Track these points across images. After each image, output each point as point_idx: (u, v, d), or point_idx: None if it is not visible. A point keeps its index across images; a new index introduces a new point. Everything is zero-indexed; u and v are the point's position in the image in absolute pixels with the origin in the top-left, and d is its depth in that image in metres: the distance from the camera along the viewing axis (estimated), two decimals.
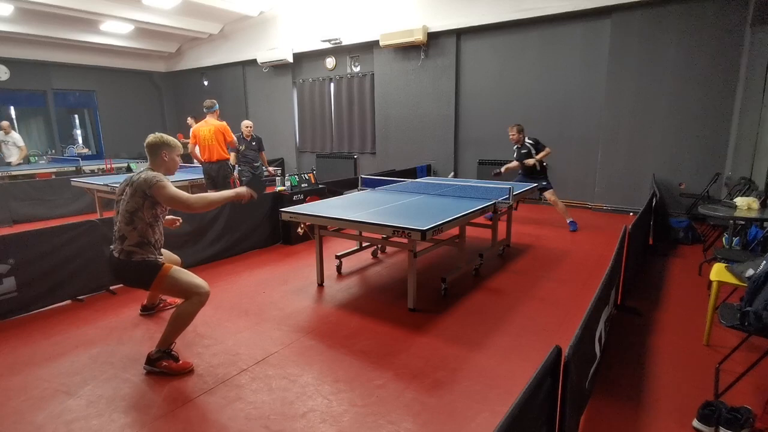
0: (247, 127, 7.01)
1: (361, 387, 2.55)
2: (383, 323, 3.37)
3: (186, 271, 2.84)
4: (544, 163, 6.22)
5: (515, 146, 6.19)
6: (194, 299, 2.74)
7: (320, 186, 6.16)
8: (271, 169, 7.44)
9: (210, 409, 2.37)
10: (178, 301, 3.22)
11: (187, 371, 2.73)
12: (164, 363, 2.72)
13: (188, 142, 10.31)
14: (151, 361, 2.73)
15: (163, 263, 2.77)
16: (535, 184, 5.72)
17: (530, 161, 5.95)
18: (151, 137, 2.82)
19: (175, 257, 3.37)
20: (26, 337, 3.23)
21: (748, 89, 5.79)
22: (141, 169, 2.81)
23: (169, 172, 2.89)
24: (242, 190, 2.98)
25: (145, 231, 2.71)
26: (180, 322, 2.74)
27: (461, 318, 3.44)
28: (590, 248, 5.26)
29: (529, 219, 6.79)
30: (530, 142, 6.05)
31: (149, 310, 3.63)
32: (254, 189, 3.01)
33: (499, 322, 3.37)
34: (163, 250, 3.00)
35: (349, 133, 10.54)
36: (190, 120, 10.16)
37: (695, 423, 2.17)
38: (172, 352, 2.77)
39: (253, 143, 7.11)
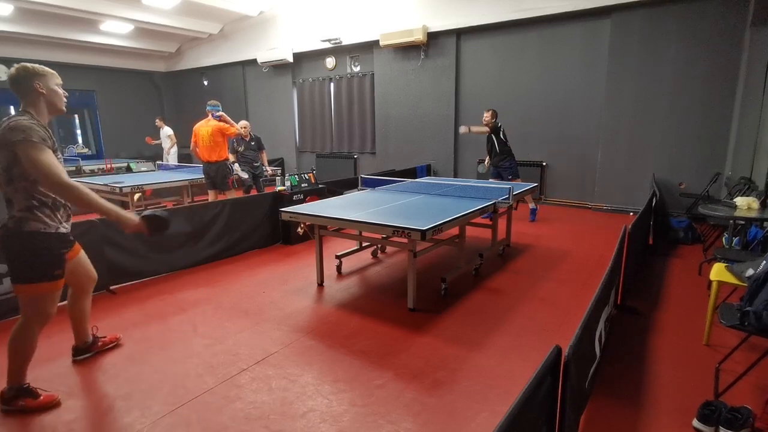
0: (243, 127, 6.99)
1: (361, 387, 2.55)
2: (383, 323, 3.37)
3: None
4: (508, 144, 6.52)
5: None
6: (36, 321, 2.33)
7: (320, 186, 6.16)
8: (269, 169, 7.44)
9: (210, 409, 2.37)
10: (118, 335, 3.03)
11: (52, 406, 2.35)
12: (20, 402, 2.33)
13: (159, 143, 10.38)
14: (5, 399, 2.32)
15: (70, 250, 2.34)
16: (535, 185, 5.70)
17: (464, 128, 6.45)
18: (11, 69, 2.20)
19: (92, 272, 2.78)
20: None
21: (748, 89, 5.79)
22: (19, 112, 2.20)
23: (55, 108, 2.31)
24: (133, 219, 2.35)
25: (32, 189, 2.16)
26: (18, 348, 2.31)
27: (461, 318, 3.44)
28: (590, 248, 5.26)
29: (528, 219, 6.79)
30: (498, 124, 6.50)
31: (84, 354, 2.86)
32: (151, 224, 2.40)
33: (499, 322, 3.37)
34: (81, 259, 2.53)
35: (349, 133, 10.54)
36: (158, 122, 10.24)
37: (695, 423, 2.17)
38: (25, 387, 2.36)
39: (252, 143, 7.10)
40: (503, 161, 6.50)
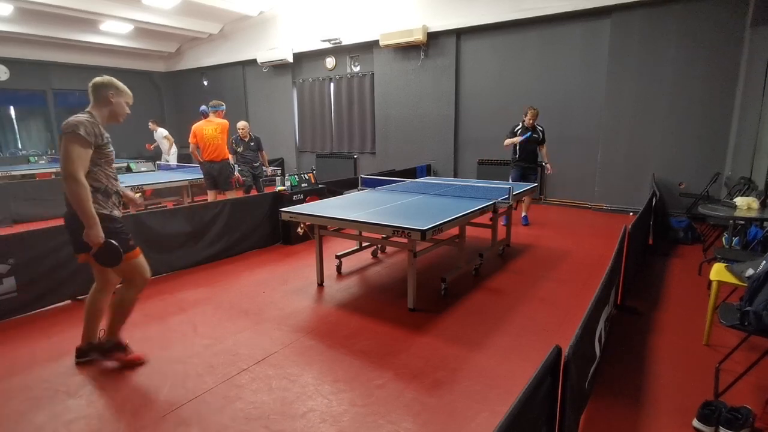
0: (241, 129, 6.95)
1: (360, 387, 2.55)
2: (383, 323, 3.37)
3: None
4: (545, 162, 6.32)
5: (519, 127, 6.14)
6: (137, 282, 2.70)
7: (320, 186, 6.16)
8: (269, 169, 7.44)
9: (210, 409, 2.37)
10: (142, 355, 2.91)
11: (140, 364, 2.76)
12: (112, 355, 2.73)
13: (157, 146, 10.37)
14: (102, 350, 2.72)
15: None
16: (535, 185, 5.70)
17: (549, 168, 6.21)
18: (97, 78, 2.58)
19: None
20: (26, 337, 3.23)
21: (748, 89, 5.79)
22: (86, 111, 2.53)
23: (114, 119, 2.63)
24: (98, 238, 2.39)
25: (88, 176, 2.41)
26: (123, 308, 2.71)
27: (461, 318, 3.44)
28: (590, 248, 5.26)
29: (528, 219, 6.78)
30: (541, 128, 6.18)
31: (84, 356, 2.81)
32: (103, 252, 2.43)
33: (499, 322, 3.37)
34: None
35: (348, 133, 10.54)
36: (151, 125, 10.23)
37: (695, 423, 2.17)
38: (119, 344, 2.76)
39: (252, 143, 7.07)
40: (532, 174, 6.28)
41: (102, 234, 2.40)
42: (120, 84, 2.66)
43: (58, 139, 2.46)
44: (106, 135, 2.52)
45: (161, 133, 10.15)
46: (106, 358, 2.76)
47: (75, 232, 2.45)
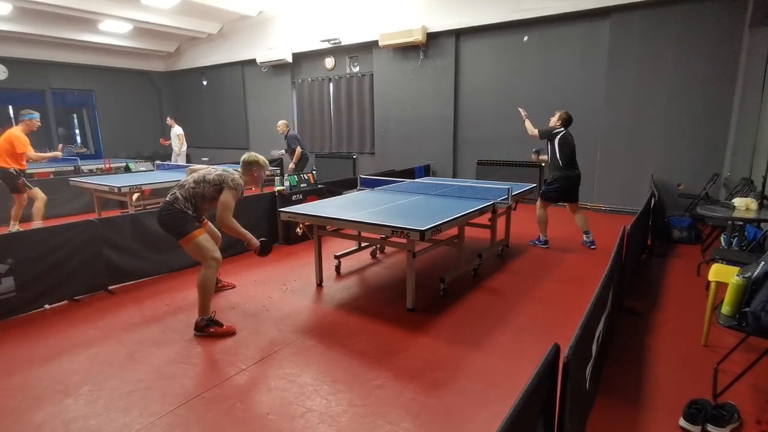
0: (279, 126, 8.31)
1: (359, 387, 2.55)
2: (382, 323, 3.37)
3: (211, 240, 3.32)
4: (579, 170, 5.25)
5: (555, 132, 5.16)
6: (213, 265, 3.20)
7: (319, 186, 6.16)
8: (291, 166, 7.99)
9: (209, 409, 2.36)
10: (232, 283, 4.11)
11: (230, 334, 3.20)
12: (211, 329, 3.18)
13: (169, 143, 10.30)
14: (198, 328, 3.19)
15: (199, 227, 3.23)
16: (534, 185, 5.68)
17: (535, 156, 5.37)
18: (246, 155, 3.49)
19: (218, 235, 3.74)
20: (24, 337, 3.22)
21: (747, 90, 5.81)
22: (238, 170, 3.42)
23: (254, 184, 3.56)
24: (255, 242, 3.36)
25: (198, 197, 3.23)
26: (206, 289, 3.18)
27: (460, 318, 3.44)
28: (589, 248, 5.26)
29: (528, 219, 6.79)
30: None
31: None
32: (264, 247, 3.43)
33: (498, 322, 3.37)
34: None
35: (348, 133, 10.53)
36: (169, 120, 10.28)
37: (681, 422, 2.18)
38: (213, 318, 3.23)
39: (285, 140, 8.12)
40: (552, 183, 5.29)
41: (255, 239, 3.35)
42: (263, 160, 3.50)
43: (218, 178, 3.23)
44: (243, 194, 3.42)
45: (176, 130, 10.06)
46: (205, 332, 3.18)
47: (171, 229, 3.20)
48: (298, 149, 8.28)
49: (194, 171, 3.49)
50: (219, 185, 3.22)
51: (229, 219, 3.18)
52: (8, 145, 5.70)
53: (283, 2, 10.30)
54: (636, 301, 3.74)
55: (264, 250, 3.42)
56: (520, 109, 5.53)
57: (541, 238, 5.43)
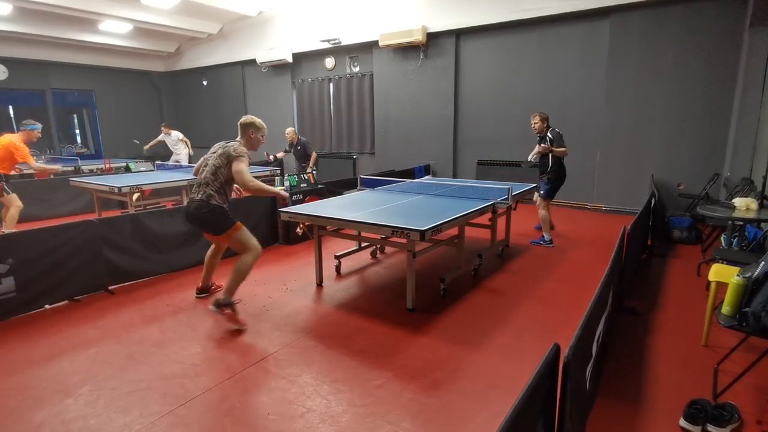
0: (287, 134, 8.39)
1: (359, 387, 2.55)
2: (382, 323, 3.37)
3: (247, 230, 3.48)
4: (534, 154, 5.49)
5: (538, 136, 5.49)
6: (253, 254, 3.38)
7: (319, 186, 6.16)
8: (309, 170, 7.55)
9: (208, 409, 2.36)
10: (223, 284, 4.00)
11: (239, 328, 3.31)
12: (226, 311, 3.31)
13: (157, 142, 9.95)
14: (218, 304, 3.31)
15: (237, 220, 3.41)
16: (534, 185, 5.68)
17: (538, 148, 5.36)
18: (243, 118, 3.52)
19: None
20: (24, 337, 3.22)
21: (747, 90, 5.80)
22: (237, 140, 3.48)
23: (252, 148, 3.52)
24: (283, 193, 3.54)
25: (223, 184, 3.35)
26: (241, 273, 3.34)
27: (460, 318, 3.44)
28: (589, 249, 5.27)
29: (528, 219, 6.79)
30: (549, 135, 5.34)
31: (204, 293, 3.94)
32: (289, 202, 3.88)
33: (497, 322, 3.37)
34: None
35: (348, 133, 10.54)
36: (164, 129, 9.71)
37: (682, 422, 2.18)
38: (233, 302, 3.38)
39: (299, 147, 8.10)
40: (548, 180, 5.48)
41: (283, 192, 3.56)
42: (259, 122, 3.55)
43: (222, 153, 3.35)
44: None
45: (176, 135, 9.57)
46: (220, 311, 3.30)
47: (212, 224, 3.38)
48: (314, 153, 8.26)
49: (199, 170, 3.58)
50: (228, 161, 3.32)
51: (251, 181, 3.28)
52: (4, 152, 5.62)
53: (283, 2, 10.30)
54: (636, 301, 3.74)
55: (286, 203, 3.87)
56: (542, 145, 5.40)
57: (546, 237, 5.51)
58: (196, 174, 3.63)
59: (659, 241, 5.51)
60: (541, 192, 5.51)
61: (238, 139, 3.50)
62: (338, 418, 2.28)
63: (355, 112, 10.25)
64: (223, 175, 3.33)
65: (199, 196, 3.33)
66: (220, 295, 3.38)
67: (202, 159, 3.58)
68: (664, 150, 6.79)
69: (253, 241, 3.42)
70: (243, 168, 3.29)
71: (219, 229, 3.36)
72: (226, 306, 3.31)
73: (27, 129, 5.78)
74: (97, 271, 4.01)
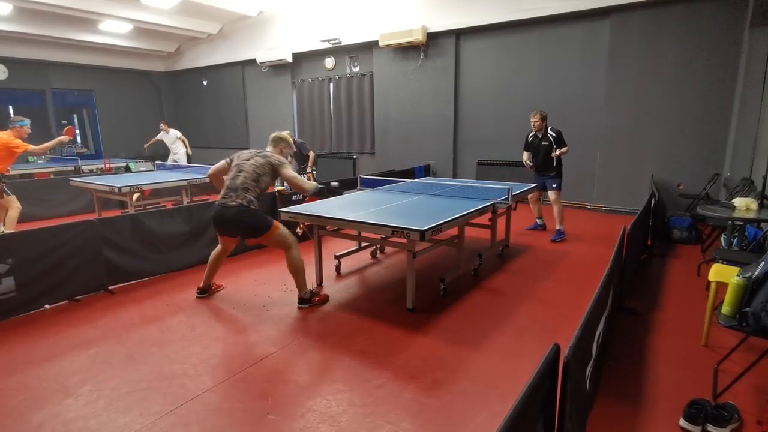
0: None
1: (359, 387, 2.55)
2: (382, 323, 3.37)
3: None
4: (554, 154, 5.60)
5: (532, 134, 5.68)
6: (295, 247, 3.62)
7: (319, 186, 6.14)
8: (310, 170, 7.60)
9: (208, 410, 2.36)
10: (223, 284, 4.20)
11: (326, 299, 3.77)
12: (315, 299, 3.68)
13: (155, 140, 9.81)
14: (303, 301, 3.65)
15: (273, 220, 3.59)
16: (534, 185, 5.68)
17: (558, 152, 5.48)
18: (275, 133, 3.87)
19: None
20: (24, 337, 3.22)
21: (747, 90, 5.80)
22: (268, 149, 3.75)
23: (283, 156, 3.81)
24: (317, 188, 3.86)
25: (263, 190, 3.59)
26: (298, 269, 3.60)
27: (460, 318, 3.44)
28: (589, 249, 5.27)
29: (528, 220, 6.79)
30: (552, 134, 5.54)
31: (205, 293, 3.97)
32: (319, 192, 4.02)
33: (498, 322, 3.37)
34: None
35: (348, 133, 10.53)
36: (163, 126, 9.54)
37: (682, 422, 2.17)
38: (312, 290, 3.76)
39: (296, 150, 7.71)
40: (552, 177, 5.66)
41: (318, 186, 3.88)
42: (290, 138, 3.95)
43: (265, 162, 3.59)
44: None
45: (174, 134, 9.48)
46: (310, 304, 3.65)
47: (252, 228, 3.52)
48: (312, 153, 8.10)
49: (219, 172, 3.72)
50: (273, 170, 3.59)
51: (305, 185, 3.70)
52: (3, 152, 5.52)
53: (283, 2, 10.30)
54: (636, 301, 3.74)
55: (324, 194, 4.29)
56: (558, 150, 5.54)
57: (563, 229, 5.67)
58: (215, 176, 3.77)
59: (659, 241, 5.51)
60: (554, 186, 5.68)
61: (269, 149, 3.76)
62: (338, 418, 2.28)
63: (355, 112, 10.24)
64: (265, 182, 3.57)
65: (239, 201, 3.43)
66: (298, 297, 3.68)
67: (223, 162, 3.70)
68: (664, 150, 6.79)
69: (291, 236, 3.65)
70: (295, 173, 3.66)
71: (258, 231, 3.50)
72: (310, 298, 3.66)
73: (16, 126, 5.64)
74: (97, 271, 4.01)
